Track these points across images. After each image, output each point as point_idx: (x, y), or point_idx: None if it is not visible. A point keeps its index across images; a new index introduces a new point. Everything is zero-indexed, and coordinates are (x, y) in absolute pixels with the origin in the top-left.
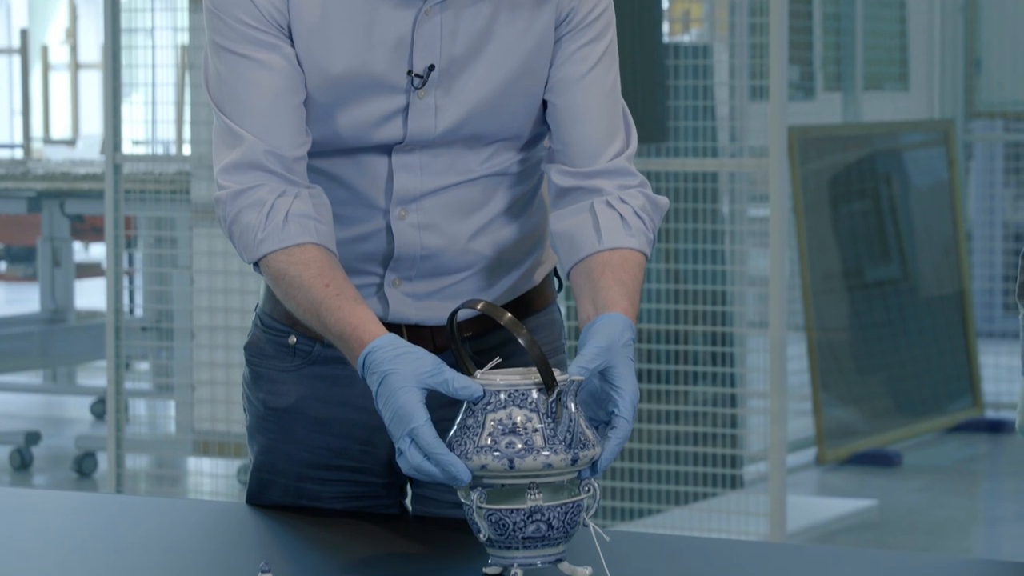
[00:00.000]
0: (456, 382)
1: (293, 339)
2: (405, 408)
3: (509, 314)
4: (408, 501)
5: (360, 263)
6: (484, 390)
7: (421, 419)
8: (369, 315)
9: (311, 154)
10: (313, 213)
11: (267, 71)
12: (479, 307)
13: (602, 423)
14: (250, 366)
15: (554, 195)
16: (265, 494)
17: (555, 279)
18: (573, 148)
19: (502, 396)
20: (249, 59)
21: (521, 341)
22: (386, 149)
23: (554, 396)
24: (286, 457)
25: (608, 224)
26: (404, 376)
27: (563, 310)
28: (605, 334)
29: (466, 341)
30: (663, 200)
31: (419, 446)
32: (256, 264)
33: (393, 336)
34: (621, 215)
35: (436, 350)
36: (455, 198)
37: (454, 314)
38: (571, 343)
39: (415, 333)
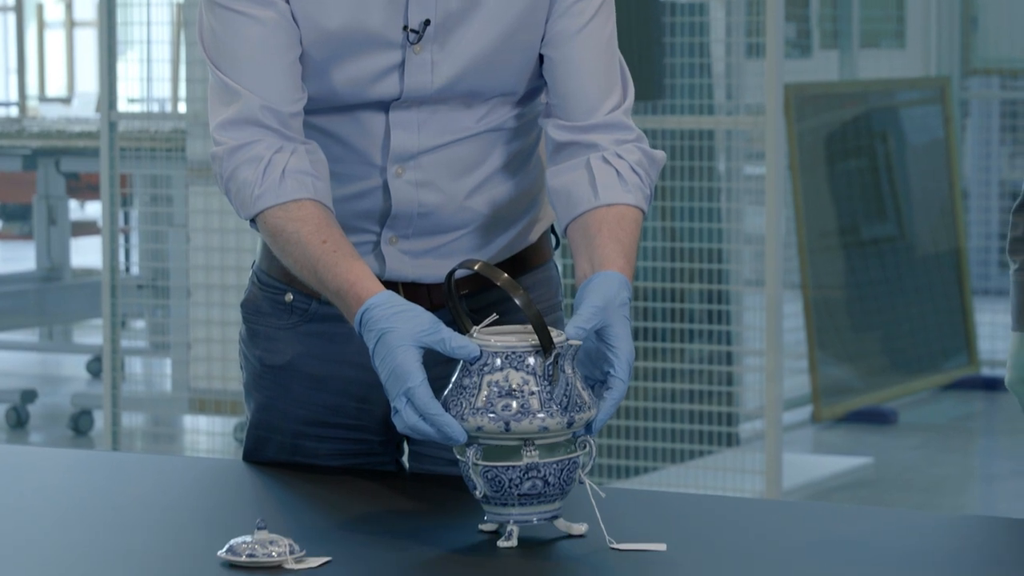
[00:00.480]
0: (453, 341)
1: (290, 296)
2: (402, 367)
3: (506, 275)
4: (404, 458)
5: (357, 221)
6: (481, 351)
7: (418, 379)
8: (366, 272)
9: (307, 111)
10: (310, 169)
11: (261, 26)
12: (476, 267)
13: (598, 382)
14: (247, 323)
15: (551, 150)
16: (261, 451)
17: (552, 236)
18: (569, 102)
19: (499, 359)
20: (243, 15)
21: (518, 302)
22: (383, 106)
23: (551, 359)
24: (282, 414)
25: (604, 180)
26: (401, 334)
27: (560, 267)
28: (601, 293)
29: (463, 299)
30: (660, 154)
31: (415, 406)
32: (253, 221)
33: (391, 293)
34: (617, 171)
35: (432, 307)
36: (452, 155)
37: (452, 273)
38: (568, 301)
39: (411, 291)
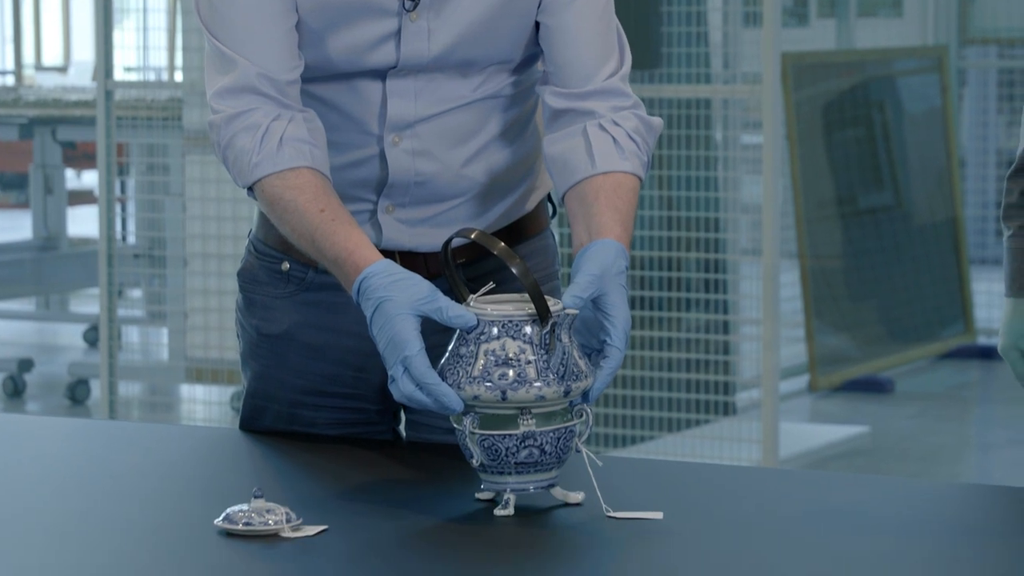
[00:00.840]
0: (450, 310)
1: (286, 265)
2: (400, 336)
3: (503, 244)
4: (401, 427)
5: (354, 189)
6: (478, 320)
7: (415, 348)
8: (364, 240)
9: (305, 79)
10: (308, 137)
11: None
12: (473, 236)
13: (594, 351)
14: (243, 292)
15: (547, 118)
16: (258, 420)
17: (549, 205)
18: (566, 69)
19: (496, 328)
20: None
21: (515, 271)
22: (380, 74)
23: (548, 328)
24: (279, 383)
25: (601, 147)
26: (399, 303)
27: (557, 236)
28: (598, 261)
29: (460, 267)
30: (657, 121)
31: (412, 375)
32: (250, 189)
33: (389, 262)
34: (614, 138)
35: (430, 276)
36: (449, 124)
37: (448, 242)
38: (565, 270)
39: (408, 259)
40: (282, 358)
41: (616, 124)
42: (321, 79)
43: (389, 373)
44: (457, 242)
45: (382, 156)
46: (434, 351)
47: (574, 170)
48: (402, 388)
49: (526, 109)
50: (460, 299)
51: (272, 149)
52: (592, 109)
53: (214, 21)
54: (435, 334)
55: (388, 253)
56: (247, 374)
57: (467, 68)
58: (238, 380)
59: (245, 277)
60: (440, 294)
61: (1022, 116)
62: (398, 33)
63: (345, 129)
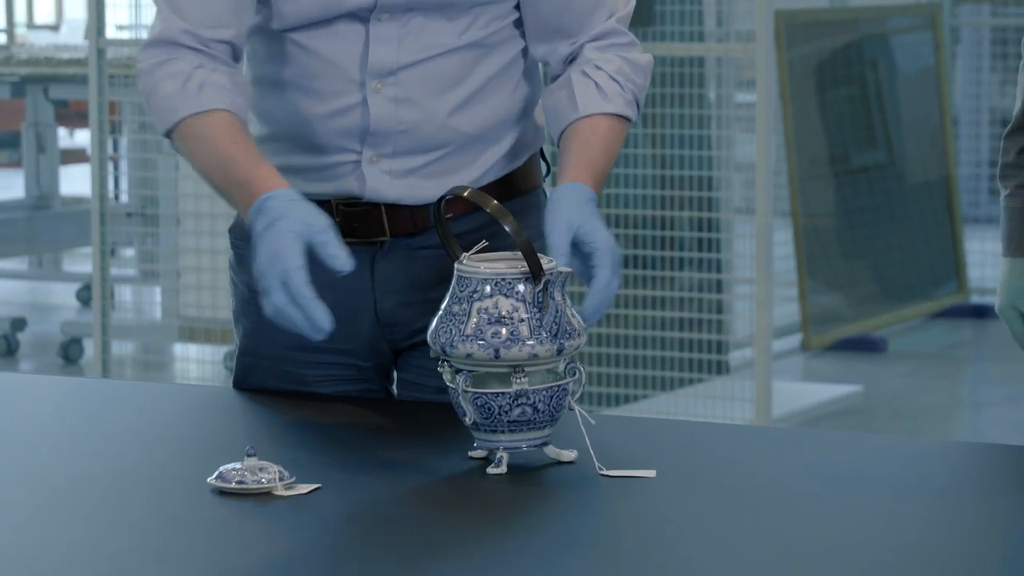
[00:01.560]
0: (331, 247)
1: None
2: (284, 250)
3: (495, 201)
4: (395, 387)
5: (337, 139)
6: (471, 278)
7: (297, 262)
8: (275, 171)
9: (287, 28)
10: (229, 84)
11: None
12: (466, 194)
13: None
14: (234, 249)
15: (550, 76)
16: (250, 378)
17: (542, 162)
18: (564, 18)
19: (488, 286)
20: None
21: (507, 229)
22: (362, 19)
23: (541, 286)
24: (269, 340)
25: (583, 92)
26: (293, 221)
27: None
28: (562, 210)
29: (450, 222)
30: (644, 59)
31: (288, 288)
32: (170, 137)
33: (293, 190)
34: (596, 82)
35: (416, 230)
36: (433, 71)
37: (441, 200)
38: None
39: (394, 212)
40: None
41: (598, 68)
42: (303, 27)
43: (261, 286)
44: (430, 196)
45: (365, 104)
46: (427, 305)
47: (561, 117)
48: (275, 300)
49: (512, 57)
50: (452, 257)
51: (193, 91)
52: (584, 55)
53: None
54: (431, 288)
55: (373, 206)
56: (239, 331)
57: (450, 9)
58: (231, 339)
59: (236, 233)
60: (333, 230)
61: (1019, 75)
62: None
63: (327, 76)
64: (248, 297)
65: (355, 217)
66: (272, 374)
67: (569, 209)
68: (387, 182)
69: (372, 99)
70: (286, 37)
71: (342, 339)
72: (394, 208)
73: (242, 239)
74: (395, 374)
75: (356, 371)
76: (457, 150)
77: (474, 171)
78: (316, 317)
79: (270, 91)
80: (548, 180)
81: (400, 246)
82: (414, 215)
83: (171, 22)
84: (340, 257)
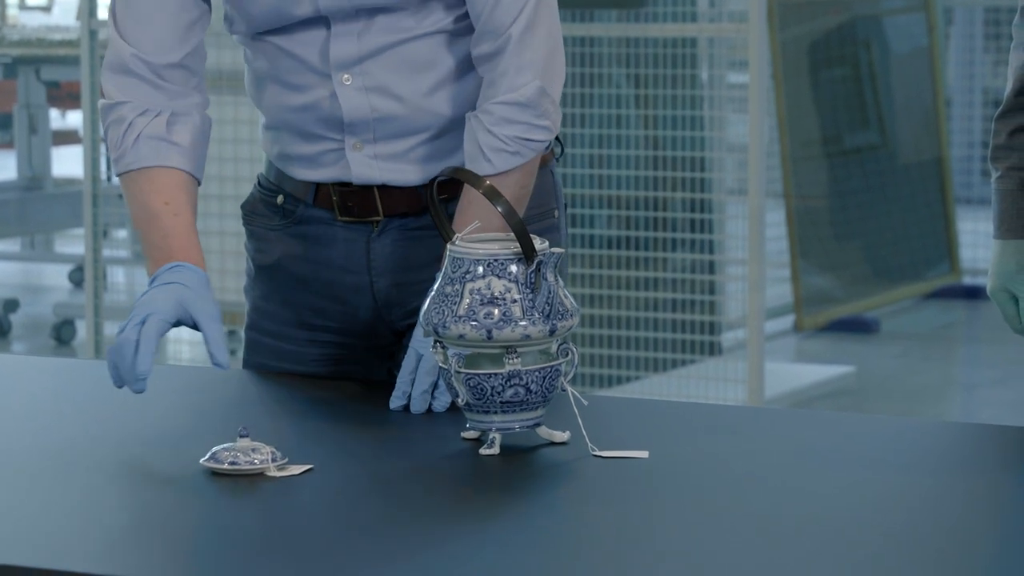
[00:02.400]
0: (212, 336)
1: (280, 198)
2: (163, 302)
3: (488, 181)
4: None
5: (318, 128)
6: (463, 259)
7: (165, 315)
8: (195, 241)
9: (256, 38)
10: (165, 134)
11: None
12: (456, 174)
13: None
14: (245, 225)
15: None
16: (254, 354)
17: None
18: (479, 21)
19: (481, 267)
20: None
21: (499, 210)
22: (323, 20)
23: (533, 267)
24: (271, 316)
25: (468, 150)
26: (190, 291)
27: (558, 174)
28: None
29: (444, 203)
30: (525, 94)
31: (142, 327)
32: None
33: (198, 271)
34: (479, 143)
35: (410, 210)
36: (400, 57)
37: (433, 181)
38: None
39: (387, 193)
40: (273, 289)
41: (478, 118)
42: (266, 32)
43: (123, 325)
44: (421, 179)
45: (335, 95)
46: (422, 285)
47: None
48: (125, 332)
49: None
50: (445, 238)
51: (128, 147)
52: (483, 93)
53: (120, 12)
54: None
55: (364, 188)
56: (247, 307)
57: (400, 5)
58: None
59: (246, 209)
60: (218, 324)
61: (1010, 56)
62: None
63: (296, 71)
64: (254, 272)
65: (349, 197)
66: (274, 352)
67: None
68: (373, 167)
69: (340, 91)
70: (260, 36)
71: (340, 318)
72: (387, 189)
73: (250, 214)
74: (397, 357)
75: (355, 351)
76: (441, 133)
77: (463, 154)
78: (143, 363)
79: (261, 84)
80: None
81: (395, 226)
82: (408, 196)
83: (120, 47)
84: (216, 353)
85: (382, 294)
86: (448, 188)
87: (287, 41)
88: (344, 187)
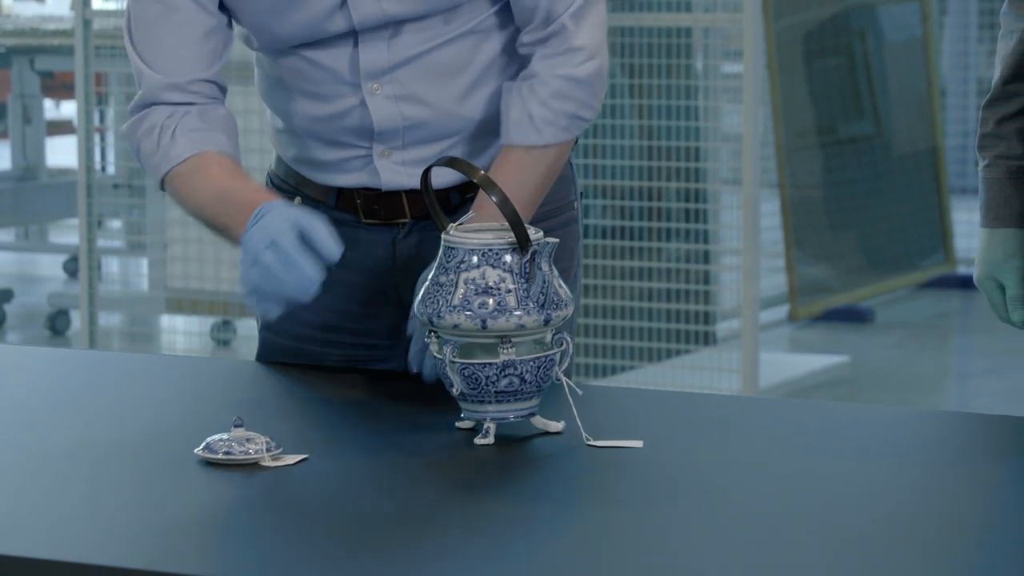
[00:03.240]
0: (320, 232)
1: (298, 200)
2: (274, 226)
3: (482, 171)
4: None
5: (345, 137)
6: (458, 248)
7: (287, 232)
8: (273, 195)
9: (281, 51)
10: (201, 125)
11: (177, 14)
12: (452, 165)
13: None
14: None
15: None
16: (271, 355)
17: None
18: (521, 9)
19: (475, 256)
20: (160, 2)
21: (493, 199)
22: (350, 33)
23: (528, 256)
24: (291, 318)
25: (515, 118)
26: (284, 211)
27: (574, 165)
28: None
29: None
30: (585, 71)
31: (278, 248)
32: (165, 190)
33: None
34: (530, 113)
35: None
36: (431, 63)
37: (428, 170)
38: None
39: (414, 196)
40: None
41: (532, 91)
42: (292, 48)
43: (244, 259)
44: (450, 181)
45: (364, 105)
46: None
47: (502, 129)
48: (264, 260)
49: (511, 39)
50: (440, 228)
51: (167, 146)
52: (530, 67)
53: (136, 34)
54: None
55: (393, 194)
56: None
57: (434, 13)
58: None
59: None
60: (324, 222)
61: (998, 44)
62: (344, 2)
63: (325, 82)
64: None
65: (376, 200)
66: (291, 353)
67: None
68: (402, 172)
69: (370, 100)
70: (285, 50)
71: (364, 320)
72: (414, 192)
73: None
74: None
75: (378, 351)
76: (470, 136)
77: (491, 153)
78: (306, 269)
79: (280, 91)
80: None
81: (421, 228)
82: (439, 198)
83: (151, 81)
84: (327, 244)
85: (407, 295)
86: (474, 186)
87: (315, 54)
88: (370, 191)
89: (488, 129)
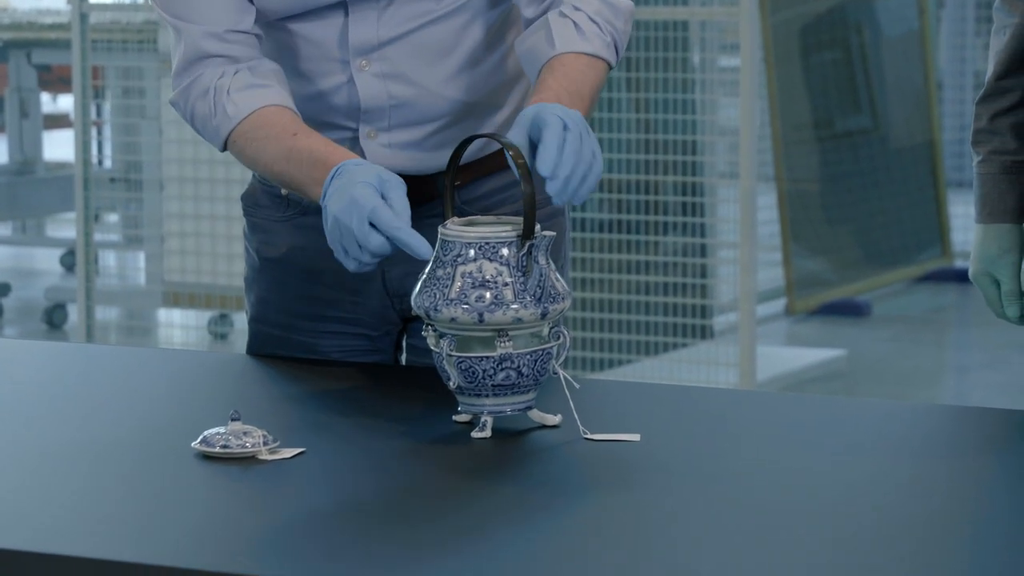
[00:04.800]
0: (395, 209)
1: (284, 189)
2: (362, 195)
3: (522, 158)
4: (404, 355)
5: (331, 116)
6: (454, 242)
7: (378, 202)
8: (342, 149)
9: (268, 23)
10: (255, 80)
11: None
12: (491, 137)
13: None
14: (246, 216)
15: (524, 26)
16: (261, 346)
17: None
18: None
19: (472, 249)
20: None
21: (517, 173)
22: (341, 4)
23: (525, 250)
24: (279, 308)
25: (561, 31)
26: (368, 169)
27: None
28: (528, 112)
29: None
30: (624, 4)
31: (380, 227)
32: (228, 150)
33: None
34: (575, 22)
35: (424, 199)
36: (419, 42)
37: (462, 145)
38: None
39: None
40: (282, 282)
41: (576, 8)
42: (284, 18)
43: (354, 234)
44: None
45: (352, 82)
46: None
47: (537, 57)
48: (371, 245)
49: (501, 20)
50: (445, 215)
51: (224, 106)
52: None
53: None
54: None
55: None
56: (251, 299)
57: None
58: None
59: (248, 200)
60: (403, 192)
61: (991, 39)
62: None
63: (313, 58)
64: (259, 265)
65: None
66: (283, 343)
67: (536, 109)
68: (387, 155)
69: (358, 77)
70: (271, 24)
71: (351, 308)
72: (403, 176)
73: (253, 206)
74: (404, 342)
75: (366, 341)
76: (456, 119)
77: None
78: (414, 243)
79: None
80: None
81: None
82: (423, 184)
83: (190, 33)
84: (401, 229)
85: (394, 283)
86: (462, 174)
87: (304, 27)
88: None
89: (473, 113)
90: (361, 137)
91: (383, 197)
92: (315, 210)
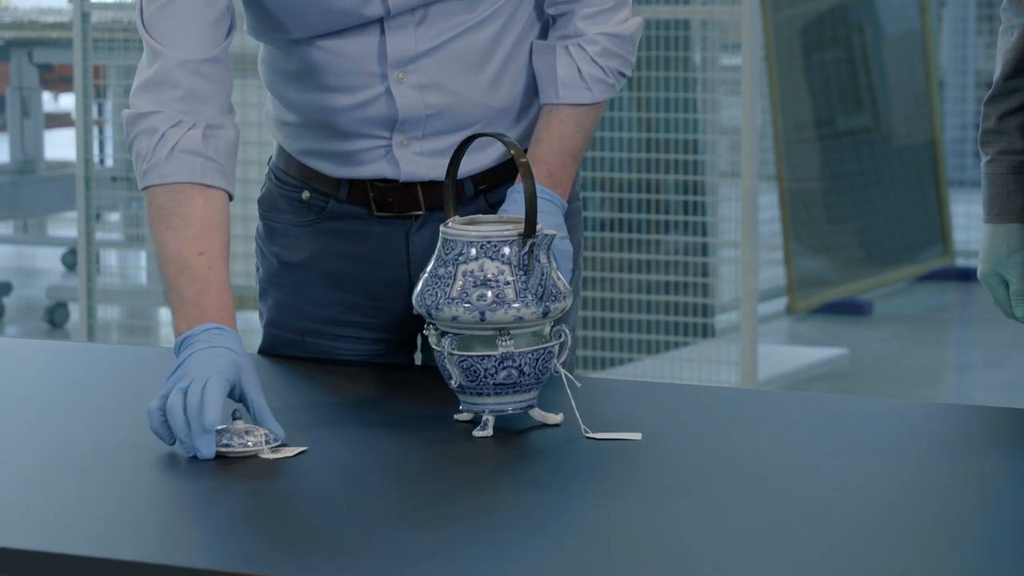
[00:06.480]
0: (262, 412)
1: (306, 194)
2: (221, 363)
3: (524, 157)
4: (419, 353)
5: (365, 128)
6: (456, 241)
7: (229, 376)
8: (229, 300)
9: (295, 42)
10: (201, 149)
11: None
12: (495, 136)
13: None
14: (264, 220)
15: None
16: (276, 349)
17: None
18: None
19: (474, 248)
20: None
21: (520, 168)
22: (377, 20)
23: (526, 248)
24: (298, 312)
25: (565, 77)
26: (239, 356)
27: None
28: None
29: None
30: (632, 25)
31: (207, 386)
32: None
33: (237, 336)
34: (579, 68)
35: (459, 203)
36: (457, 52)
37: (462, 146)
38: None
39: (429, 187)
40: (302, 287)
41: (582, 48)
42: (320, 36)
43: (167, 389)
44: (480, 165)
45: (389, 94)
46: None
47: (544, 90)
48: (170, 400)
49: (528, 21)
50: (447, 214)
51: (161, 159)
52: (575, 27)
53: (151, 17)
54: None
55: (410, 185)
56: (267, 303)
57: None
58: None
59: (265, 205)
60: (263, 401)
61: (998, 39)
62: None
63: (347, 72)
64: (277, 269)
65: (390, 193)
66: (299, 347)
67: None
68: (420, 163)
69: (396, 89)
70: (305, 41)
71: (373, 313)
72: (429, 183)
73: (271, 210)
74: (419, 340)
75: (385, 345)
76: (488, 125)
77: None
78: (210, 415)
79: (291, 83)
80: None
81: (435, 219)
82: (456, 190)
83: (167, 60)
84: (275, 429)
85: None
86: (489, 178)
87: (338, 44)
88: (385, 183)
89: (505, 117)
90: (395, 146)
91: (242, 389)
92: (336, 215)
